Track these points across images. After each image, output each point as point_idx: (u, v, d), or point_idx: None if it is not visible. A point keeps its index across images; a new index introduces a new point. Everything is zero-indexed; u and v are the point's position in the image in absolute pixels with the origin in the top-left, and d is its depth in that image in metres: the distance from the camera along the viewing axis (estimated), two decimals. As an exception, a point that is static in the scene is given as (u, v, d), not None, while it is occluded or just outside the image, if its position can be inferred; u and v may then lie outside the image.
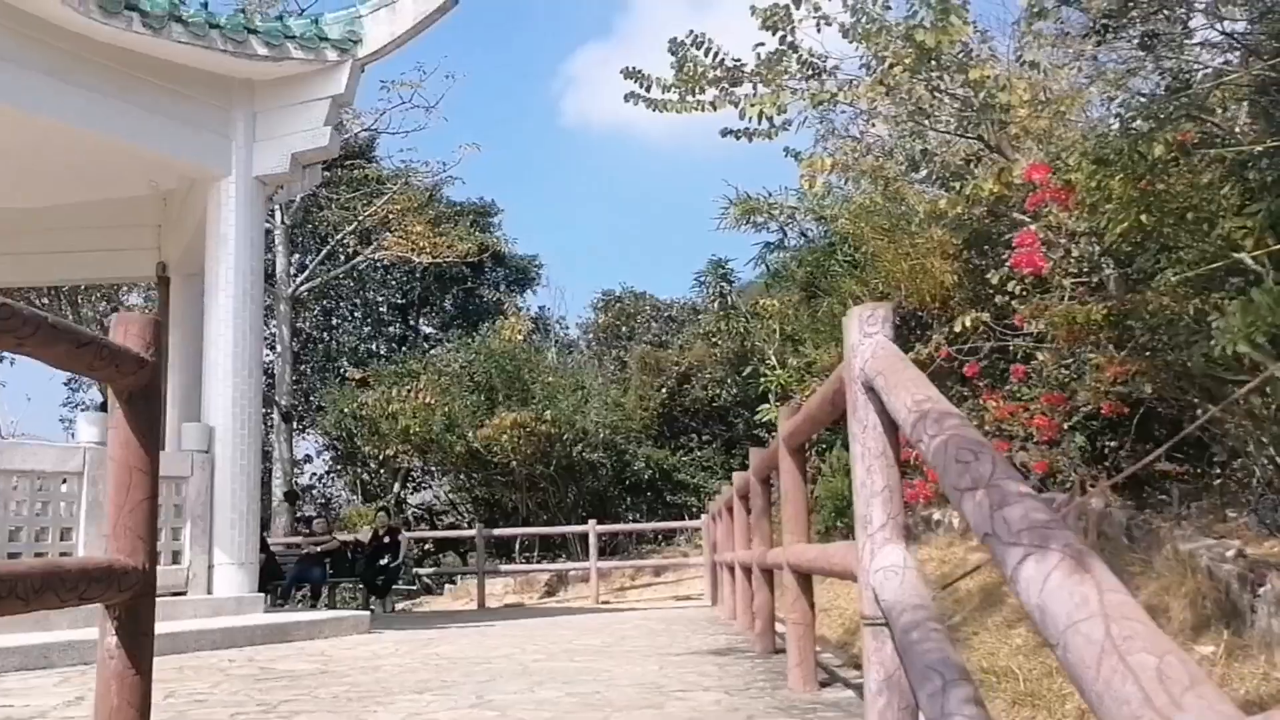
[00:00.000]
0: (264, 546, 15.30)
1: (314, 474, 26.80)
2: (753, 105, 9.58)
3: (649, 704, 4.43)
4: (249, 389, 9.00)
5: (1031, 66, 9.04)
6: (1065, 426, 9.42)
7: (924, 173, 11.13)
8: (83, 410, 23.10)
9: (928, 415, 2.06)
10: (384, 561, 15.49)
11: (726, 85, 10.23)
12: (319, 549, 15.15)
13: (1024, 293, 9.16)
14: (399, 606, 18.22)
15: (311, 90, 9.34)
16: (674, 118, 10.63)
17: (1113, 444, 8.97)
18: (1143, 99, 6.62)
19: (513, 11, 60.91)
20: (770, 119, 9.73)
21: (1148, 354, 6.53)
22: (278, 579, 15.08)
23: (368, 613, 8.92)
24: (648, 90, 10.11)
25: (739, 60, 10.13)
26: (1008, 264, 8.65)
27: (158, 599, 8.64)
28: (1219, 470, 7.67)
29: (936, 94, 9.61)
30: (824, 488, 13.28)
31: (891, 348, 2.79)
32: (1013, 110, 9.47)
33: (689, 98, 10.29)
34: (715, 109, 10.47)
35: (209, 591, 8.62)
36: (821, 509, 13.26)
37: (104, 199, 11.28)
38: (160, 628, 7.95)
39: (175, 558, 8.49)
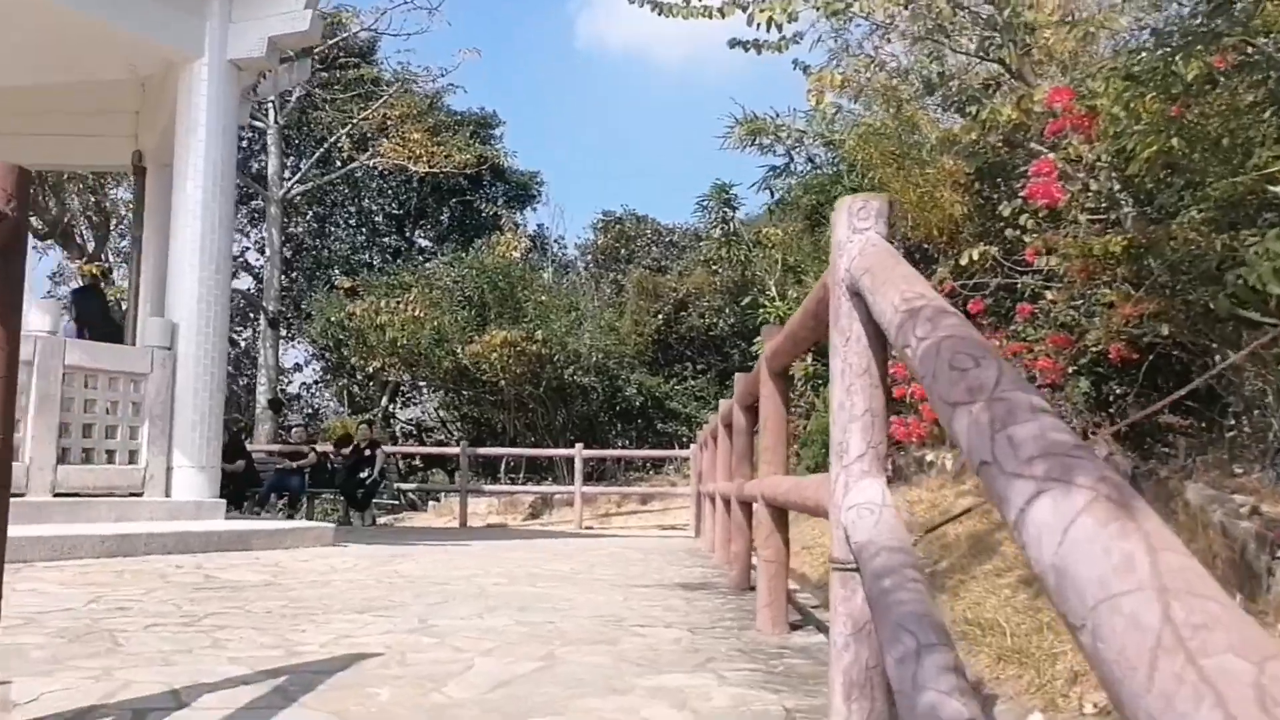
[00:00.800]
0: (244, 452, 15.00)
1: (303, 383, 26.48)
2: (762, 10, 8.99)
3: (603, 639, 4.08)
4: (215, 285, 8.56)
5: (1063, -17, 8.44)
6: (1070, 370, 9.00)
7: (939, 96, 10.58)
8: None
9: (919, 314, 1.63)
10: (363, 475, 15.20)
11: (737, -11, 9.63)
12: (295, 465, 14.83)
13: (1036, 227, 8.69)
14: (381, 521, 18.01)
15: (292, -31, 8.76)
16: (689, 40, 10.09)
17: (1119, 391, 8.56)
18: (1181, 16, 6.07)
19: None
20: (780, 27, 9.15)
21: (1167, 292, 6.07)
22: (255, 486, 14.80)
23: (332, 525, 8.60)
24: (652, -10, 9.50)
25: (751, -38, 9.52)
26: (1021, 196, 8.15)
27: (114, 499, 8.13)
28: (1232, 422, 7.27)
29: (959, 9, 9.03)
30: (816, 423, 12.92)
31: (884, 244, 2.35)
32: (1038, 31, 8.90)
33: (695, 2, 9.70)
34: (724, 15, 9.86)
35: (167, 494, 8.28)
36: (811, 444, 12.92)
37: (81, 81, 10.72)
38: (112, 529, 7.54)
39: (132, 457, 8.12)
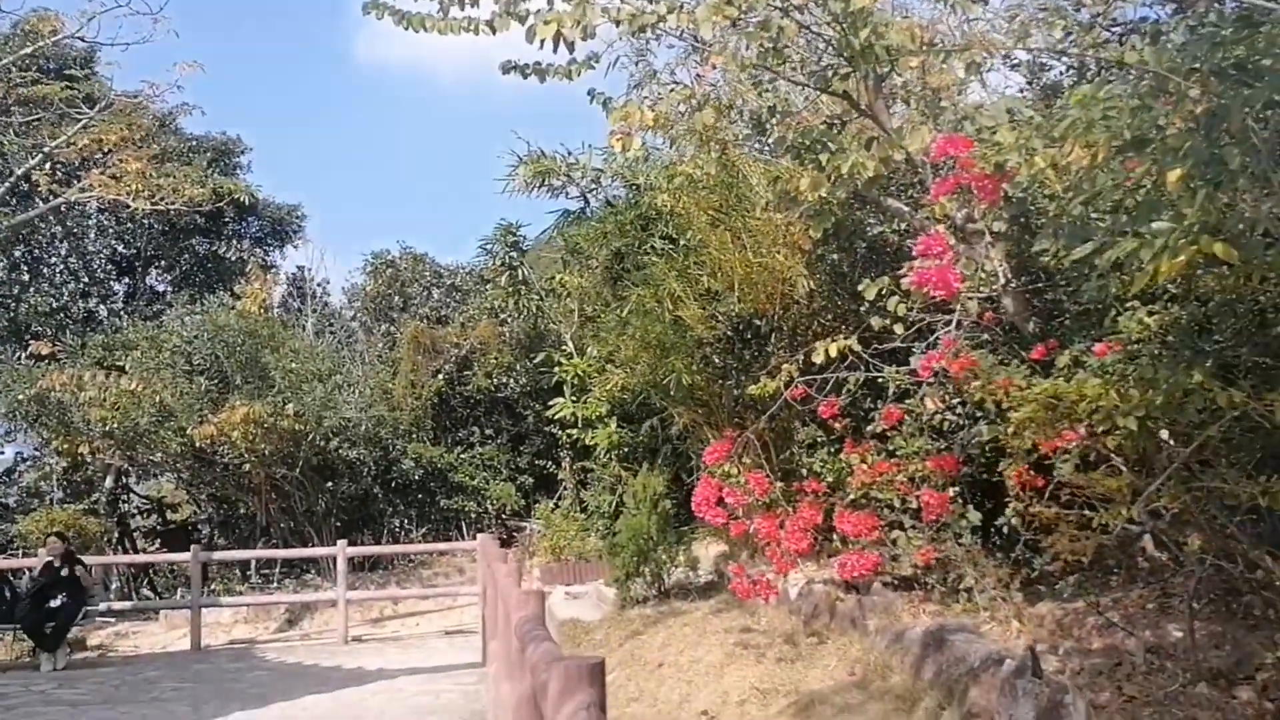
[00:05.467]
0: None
1: (20, 454, 22.06)
2: (546, 24, 6.64)
3: None
4: None
5: (939, -2, 6.45)
6: (952, 494, 7.05)
7: (772, 137, 8.53)
8: None
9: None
10: (54, 603, 11.86)
11: (511, -2, 7.25)
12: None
13: (910, 314, 6.71)
14: (94, 643, 14.55)
15: None
16: (473, 62, 7.55)
17: (1016, 522, 6.62)
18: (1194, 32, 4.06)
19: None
20: (571, 46, 6.83)
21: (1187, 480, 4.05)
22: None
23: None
24: (392, -7, 6.99)
25: (530, -39, 7.16)
26: (898, 277, 6.12)
27: None
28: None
29: (802, 28, 6.95)
30: (627, 525, 10.62)
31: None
32: (901, 60, 6.91)
33: (455, 11, 7.26)
34: (494, 31, 7.44)
35: None
36: (622, 551, 10.61)
37: None
38: None
39: None
